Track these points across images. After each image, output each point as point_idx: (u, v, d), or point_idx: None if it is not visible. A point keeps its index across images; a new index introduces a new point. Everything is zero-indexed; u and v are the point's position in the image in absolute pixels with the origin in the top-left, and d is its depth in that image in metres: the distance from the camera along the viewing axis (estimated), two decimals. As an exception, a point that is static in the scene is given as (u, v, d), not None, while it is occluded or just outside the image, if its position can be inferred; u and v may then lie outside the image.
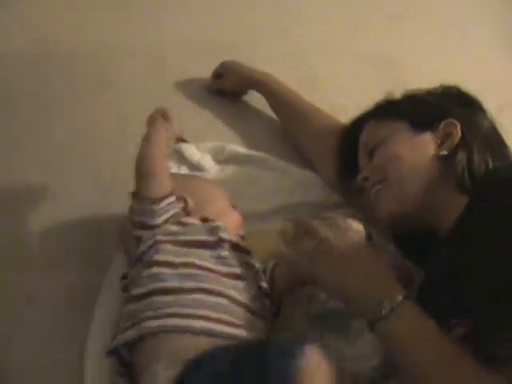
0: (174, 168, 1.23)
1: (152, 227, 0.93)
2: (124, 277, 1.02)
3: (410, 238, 1.04)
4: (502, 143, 1.02)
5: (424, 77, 1.18)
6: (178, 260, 0.89)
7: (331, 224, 0.88)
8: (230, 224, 1.00)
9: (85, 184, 1.21)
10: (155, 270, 0.88)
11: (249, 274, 0.93)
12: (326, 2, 1.76)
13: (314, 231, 0.88)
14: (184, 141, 1.27)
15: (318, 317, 0.99)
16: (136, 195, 0.95)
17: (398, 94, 1.11)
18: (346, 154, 1.13)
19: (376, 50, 1.62)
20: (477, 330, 0.77)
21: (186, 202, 1.00)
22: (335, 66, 1.56)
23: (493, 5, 1.84)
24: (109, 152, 1.27)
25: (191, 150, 1.25)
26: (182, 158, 1.24)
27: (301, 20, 1.69)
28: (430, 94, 1.08)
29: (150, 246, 0.91)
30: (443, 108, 1.03)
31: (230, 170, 1.25)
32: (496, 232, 0.79)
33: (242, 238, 1.02)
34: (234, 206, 1.06)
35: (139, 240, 0.93)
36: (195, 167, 1.24)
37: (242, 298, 0.89)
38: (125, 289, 1.00)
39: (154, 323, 0.82)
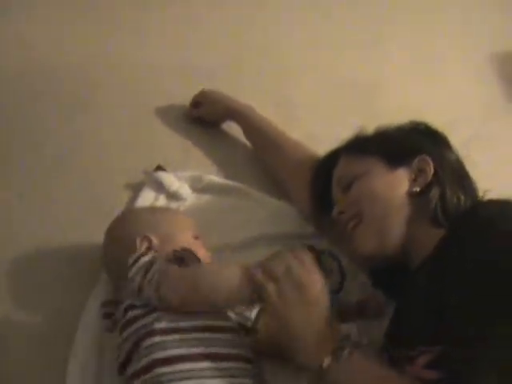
0: (153, 197, 1.25)
1: None
2: (104, 304, 1.03)
3: (382, 269, 1.06)
4: (468, 177, 1.05)
5: (399, 104, 1.19)
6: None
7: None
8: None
9: (73, 201, 1.22)
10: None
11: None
12: (305, 29, 1.79)
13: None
14: (163, 169, 1.29)
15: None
16: None
17: (373, 123, 1.11)
18: (320, 188, 1.14)
19: (354, 77, 1.64)
20: (449, 354, 0.78)
21: (150, 241, 1.01)
22: (313, 94, 1.58)
23: (467, 38, 1.87)
24: (96, 170, 1.29)
25: (169, 179, 1.26)
26: (160, 187, 1.26)
27: (281, 47, 1.70)
28: (401, 130, 1.10)
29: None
30: (415, 144, 1.05)
31: (206, 199, 1.27)
32: (476, 268, 0.81)
33: None
34: (197, 238, 1.06)
35: None
36: (173, 196, 1.25)
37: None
38: (106, 316, 1.00)
39: None
